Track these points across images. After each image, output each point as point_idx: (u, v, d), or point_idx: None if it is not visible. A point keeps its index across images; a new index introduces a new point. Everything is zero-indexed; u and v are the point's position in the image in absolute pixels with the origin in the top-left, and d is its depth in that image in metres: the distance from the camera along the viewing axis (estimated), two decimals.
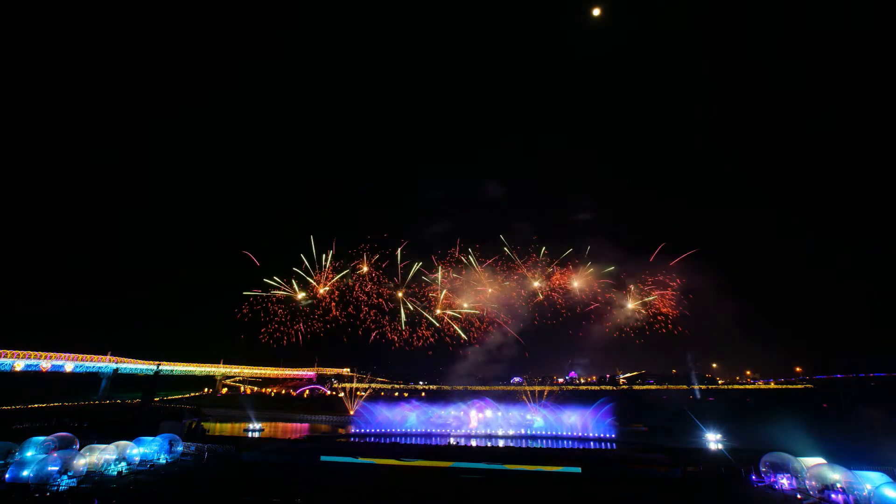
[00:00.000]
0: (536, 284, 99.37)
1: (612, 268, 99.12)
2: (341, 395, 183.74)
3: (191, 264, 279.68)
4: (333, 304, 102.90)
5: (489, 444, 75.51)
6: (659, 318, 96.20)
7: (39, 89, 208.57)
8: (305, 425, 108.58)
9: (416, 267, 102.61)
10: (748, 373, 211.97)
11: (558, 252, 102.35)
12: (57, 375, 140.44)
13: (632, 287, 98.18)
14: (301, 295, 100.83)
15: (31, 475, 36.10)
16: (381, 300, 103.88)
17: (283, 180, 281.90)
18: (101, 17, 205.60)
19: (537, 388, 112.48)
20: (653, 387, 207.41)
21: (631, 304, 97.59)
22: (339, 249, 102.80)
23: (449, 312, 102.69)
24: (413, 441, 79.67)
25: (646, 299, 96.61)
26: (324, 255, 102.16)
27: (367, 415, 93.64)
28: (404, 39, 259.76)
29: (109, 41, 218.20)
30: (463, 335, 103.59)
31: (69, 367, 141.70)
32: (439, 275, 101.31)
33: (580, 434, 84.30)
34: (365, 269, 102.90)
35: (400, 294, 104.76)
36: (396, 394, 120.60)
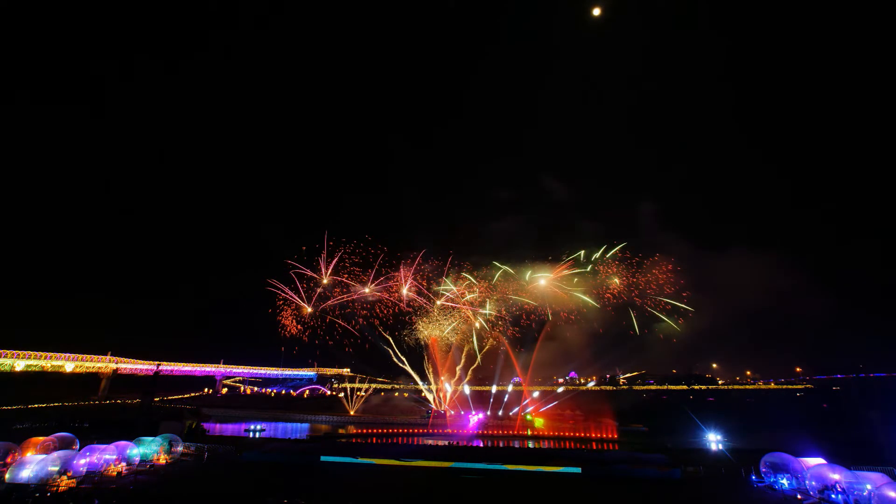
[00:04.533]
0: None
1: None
2: (341, 395, 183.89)
3: (192, 262, 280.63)
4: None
5: (489, 444, 75.46)
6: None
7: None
8: (305, 425, 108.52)
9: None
10: (748, 373, 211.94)
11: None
12: (57, 375, 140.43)
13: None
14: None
15: (32, 475, 36.08)
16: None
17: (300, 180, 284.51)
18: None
19: (537, 388, 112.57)
20: (653, 387, 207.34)
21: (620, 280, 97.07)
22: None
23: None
24: (413, 441, 79.65)
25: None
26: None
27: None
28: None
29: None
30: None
31: (69, 367, 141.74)
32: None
33: (581, 434, 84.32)
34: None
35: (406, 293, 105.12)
36: (396, 394, 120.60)
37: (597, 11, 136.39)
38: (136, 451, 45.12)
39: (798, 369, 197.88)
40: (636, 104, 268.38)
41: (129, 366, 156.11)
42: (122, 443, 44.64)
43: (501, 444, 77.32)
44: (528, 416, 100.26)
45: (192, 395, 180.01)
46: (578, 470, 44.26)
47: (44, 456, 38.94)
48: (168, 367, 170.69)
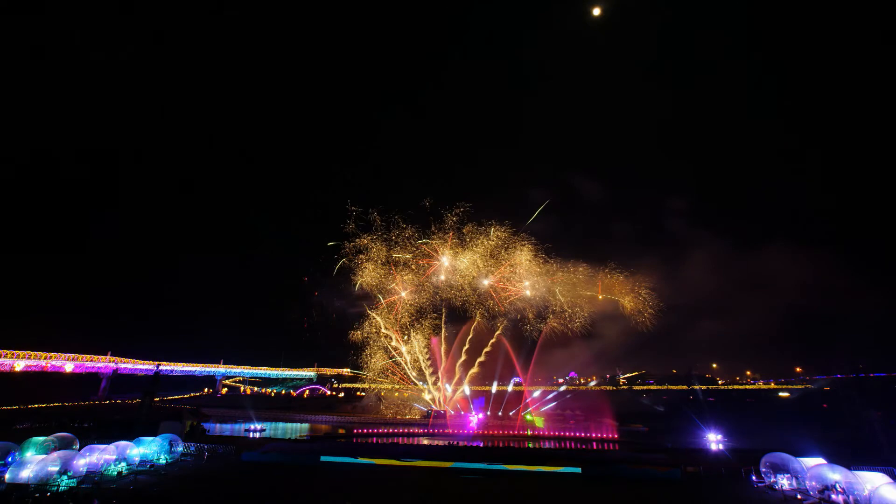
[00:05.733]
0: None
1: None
2: (341, 395, 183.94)
3: (192, 262, 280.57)
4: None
5: (489, 444, 75.42)
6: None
7: None
8: (305, 425, 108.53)
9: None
10: (748, 373, 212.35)
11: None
12: (57, 375, 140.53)
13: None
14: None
15: (32, 475, 36.09)
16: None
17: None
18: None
19: (538, 388, 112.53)
20: (653, 387, 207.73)
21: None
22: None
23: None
24: (413, 441, 79.65)
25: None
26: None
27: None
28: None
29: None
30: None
31: (69, 367, 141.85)
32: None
33: (581, 434, 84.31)
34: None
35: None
36: (396, 394, 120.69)
37: (597, 11, 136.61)
38: (136, 451, 45.17)
39: (798, 369, 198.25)
40: (640, 102, 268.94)
41: (129, 366, 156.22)
42: (122, 443, 44.73)
43: (501, 444, 77.28)
44: (528, 416, 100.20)
45: (192, 395, 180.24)
46: (578, 470, 44.28)
47: (44, 456, 38.99)
48: (168, 367, 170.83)
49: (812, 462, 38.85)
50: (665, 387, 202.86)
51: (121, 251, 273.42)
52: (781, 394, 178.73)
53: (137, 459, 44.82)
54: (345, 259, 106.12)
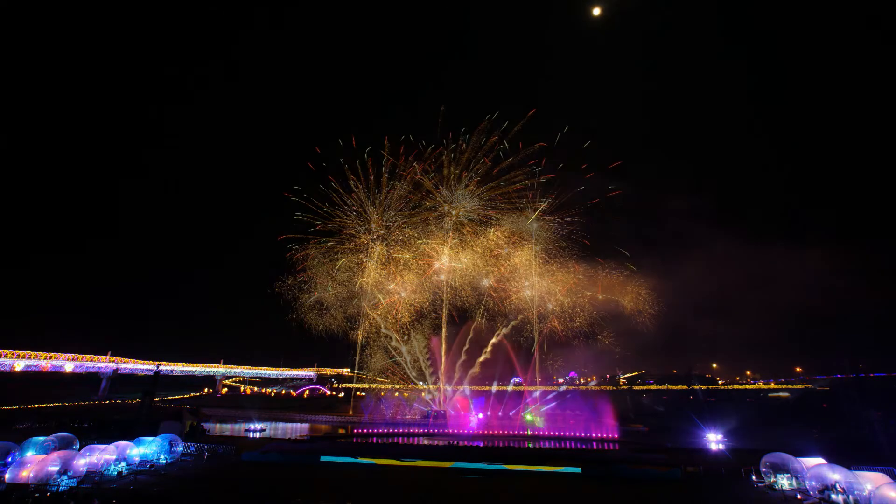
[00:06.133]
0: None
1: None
2: (341, 395, 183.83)
3: (192, 261, 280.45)
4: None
5: (489, 444, 75.37)
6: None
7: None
8: (305, 425, 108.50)
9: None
10: (748, 373, 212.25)
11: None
12: (57, 375, 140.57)
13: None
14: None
15: (32, 475, 36.08)
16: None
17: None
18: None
19: (538, 388, 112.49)
20: (653, 387, 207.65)
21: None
22: None
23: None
24: (413, 441, 79.63)
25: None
26: None
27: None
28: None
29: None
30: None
31: (69, 367, 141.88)
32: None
33: (581, 434, 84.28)
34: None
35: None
36: (396, 394, 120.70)
37: (597, 11, 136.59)
38: (136, 451, 45.11)
39: (798, 369, 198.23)
40: (640, 102, 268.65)
41: (129, 366, 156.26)
42: (122, 443, 44.65)
43: (501, 444, 77.21)
44: (528, 416, 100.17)
45: (192, 395, 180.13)
46: (578, 470, 44.26)
47: (44, 456, 38.97)
48: (168, 367, 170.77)
49: (812, 462, 38.83)
50: (665, 387, 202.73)
51: (121, 251, 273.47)
52: (781, 394, 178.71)
53: (137, 459, 44.76)
54: (345, 259, 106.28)
